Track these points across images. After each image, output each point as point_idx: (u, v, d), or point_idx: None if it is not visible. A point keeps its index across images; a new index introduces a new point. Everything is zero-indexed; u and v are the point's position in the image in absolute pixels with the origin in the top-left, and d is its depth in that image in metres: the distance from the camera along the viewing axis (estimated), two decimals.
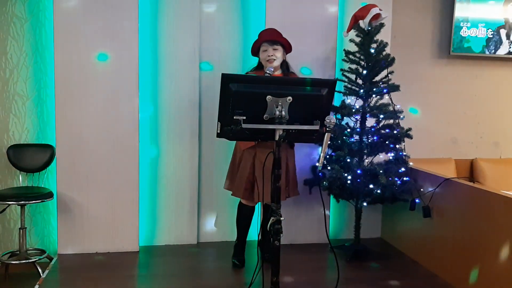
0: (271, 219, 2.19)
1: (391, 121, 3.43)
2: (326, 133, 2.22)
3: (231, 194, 3.23)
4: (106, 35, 3.41)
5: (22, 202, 3.17)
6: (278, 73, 3.16)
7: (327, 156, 3.53)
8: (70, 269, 3.21)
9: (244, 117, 2.14)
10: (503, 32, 4.39)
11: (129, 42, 3.44)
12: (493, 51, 4.41)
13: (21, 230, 3.29)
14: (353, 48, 3.51)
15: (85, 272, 3.15)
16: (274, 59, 3.10)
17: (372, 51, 3.41)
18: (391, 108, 3.42)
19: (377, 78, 3.47)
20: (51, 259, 3.40)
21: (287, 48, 3.21)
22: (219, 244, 3.74)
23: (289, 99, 2.18)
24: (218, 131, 2.26)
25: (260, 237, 3.47)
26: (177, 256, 3.50)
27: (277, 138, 2.19)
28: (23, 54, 3.52)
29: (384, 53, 3.44)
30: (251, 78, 2.36)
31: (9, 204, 3.30)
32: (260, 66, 3.23)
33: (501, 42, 4.40)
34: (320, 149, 2.46)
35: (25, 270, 3.47)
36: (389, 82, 3.44)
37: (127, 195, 3.52)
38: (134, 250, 3.56)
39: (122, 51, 3.44)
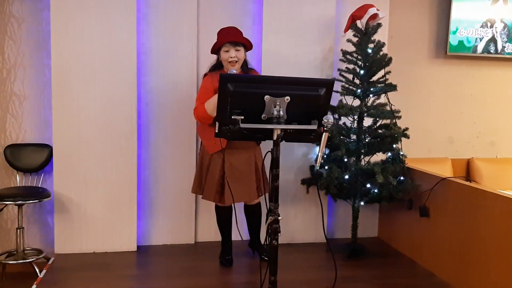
0: (269, 219, 2.20)
1: (388, 120, 3.44)
2: (324, 133, 2.22)
3: (202, 198, 3.25)
4: (104, 35, 3.41)
5: (20, 202, 3.17)
6: (238, 71, 3.08)
7: (325, 156, 3.54)
8: (68, 269, 3.20)
9: (242, 117, 2.15)
10: (499, 32, 4.42)
11: (127, 43, 3.44)
12: (489, 51, 4.43)
13: (18, 230, 3.29)
14: (350, 48, 3.52)
15: (83, 272, 3.15)
16: (236, 61, 3.04)
17: (370, 51, 3.43)
18: (388, 108, 3.44)
19: (374, 78, 3.48)
20: (48, 259, 3.40)
21: (248, 47, 3.15)
22: (216, 244, 3.73)
23: (287, 99, 2.18)
24: (217, 131, 2.26)
25: (250, 238, 3.48)
26: (174, 256, 3.50)
27: (275, 137, 2.19)
28: (20, 54, 3.52)
29: (381, 53, 3.46)
30: (249, 78, 2.37)
31: (6, 204, 3.30)
32: (219, 65, 3.16)
33: (497, 42, 4.43)
34: (317, 148, 2.48)
35: (22, 270, 3.48)
36: (386, 82, 3.45)
37: (125, 195, 3.52)
38: (131, 249, 3.56)
39: (120, 52, 3.43)
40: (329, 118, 2.20)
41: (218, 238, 3.64)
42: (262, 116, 2.20)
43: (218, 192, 3.14)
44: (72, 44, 3.37)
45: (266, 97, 2.16)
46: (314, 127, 2.25)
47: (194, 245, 3.75)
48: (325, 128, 2.22)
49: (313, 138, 2.35)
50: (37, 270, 3.19)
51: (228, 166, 3.10)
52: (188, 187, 3.68)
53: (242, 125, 2.13)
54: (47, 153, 3.51)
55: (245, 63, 3.17)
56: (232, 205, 3.12)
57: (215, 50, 3.14)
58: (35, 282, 2.94)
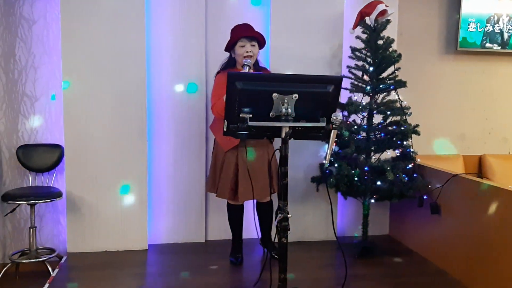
0: (278, 216, 2.20)
1: (398, 117, 3.42)
2: (333, 130, 2.21)
3: (216, 196, 3.25)
4: (113, 35, 3.43)
5: (32, 201, 3.20)
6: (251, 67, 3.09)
7: (334, 153, 3.53)
8: (80, 268, 3.23)
9: (251, 115, 2.15)
10: (505, 26, 4.36)
11: (136, 43, 3.46)
12: (500, 46, 4.38)
13: (31, 229, 3.32)
14: (359, 45, 3.51)
15: (95, 271, 3.18)
16: (251, 56, 3.08)
17: (379, 47, 3.40)
18: (398, 105, 3.42)
19: (384, 75, 3.46)
20: (61, 258, 3.43)
21: (262, 44, 3.19)
22: (226, 242, 3.74)
23: (295, 96, 2.18)
24: (225, 129, 2.26)
25: (261, 235, 3.48)
26: (185, 254, 3.51)
27: (283, 135, 2.19)
28: (31, 55, 3.55)
29: (390, 49, 3.43)
30: (257, 76, 2.36)
31: (19, 204, 3.33)
32: (232, 63, 3.19)
33: (508, 37, 4.37)
34: (326, 146, 2.47)
35: (35, 268, 3.52)
36: (396, 79, 3.43)
37: (136, 194, 3.55)
38: (142, 248, 3.58)
39: (129, 51, 3.46)
40: (337, 115, 2.19)
41: (229, 236, 3.65)
42: (270, 114, 2.19)
43: (233, 190, 3.15)
44: (82, 44, 3.40)
45: (274, 95, 2.16)
46: (323, 124, 2.24)
47: (205, 243, 3.77)
48: (333, 125, 2.21)
49: (321, 135, 2.35)
50: (50, 269, 3.22)
51: (242, 163, 3.10)
52: (199, 185, 3.71)
53: (251, 123, 2.13)
54: (59, 153, 3.54)
55: (256, 61, 3.19)
56: (253, 202, 3.13)
57: (230, 46, 3.16)
58: (48, 281, 2.98)
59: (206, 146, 3.72)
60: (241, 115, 2.15)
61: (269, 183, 3.21)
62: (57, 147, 3.56)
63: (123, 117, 3.49)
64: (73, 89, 3.41)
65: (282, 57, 3.66)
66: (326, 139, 2.29)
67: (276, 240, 2.26)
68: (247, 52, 3.07)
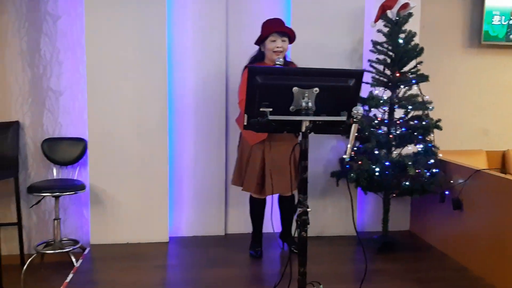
0: (298, 210, 2.20)
1: (420, 112, 3.39)
2: (354, 124, 2.20)
3: (242, 189, 3.27)
4: (135, 31, 3.48)
5: (56, 193, 3.27)
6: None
7: (355, 148, 3.51)
8: (102, 259, 3.30)
9: (271, 109, 2.15)
10: None
11: (158, 38, 3.50)
12: None
13: (55, 221, 3.40)
14: (380, 38, 3.47)
15: (117, 262, 3.24)
16: (281, 51, 3.11)
17: (401, 41, 3.37)
18: (420, 99, 3.38)
19: (406, 69, 3.42)
20: (84, 249, 3.50)
21: (292, 40, 3.21)
22: (246, 236, 3.76)
23: (316, 90, 2.17)
24: (245, 123, 2.27)
25: (281, 230, 3.50)
26: (205, 247, 3.55)
27: (303, 129, 2.19)
28: (56, 50, 3.62)
29: (412, 43, 3.39)
30: (278, 70, 2.37)
31: (44, 196, 3.41)
32: (260, 57, 3.21)
33: None
34: (348, 141, 2.47)
35: (59, 259, 3.60)
36: (418, 73, 3.39)
37: (157, 187, 3.59)
38: (163, 240, 3.64)
39: (151, 47, 3.50)
40: (358, 109, 2.18)
41: (248, 230, 3.68)
42: (291, 108, 2.19)
43: (259, 184, 3.18)
44: (105, 40, 3.45)
45: (295, 89, 2.16)
46: (344, 118, 2.22)
47: (224, 236, 3.80)
48: (354, 120, 2.19)
49: (342, 129, 2.33)
50: (74, 260, 3.29)
51: (269, 158, 3.12)
52: (218, 179, 3.74)
53: (271, 117, 2.13)
54: (82, 147, 3.61)
55: (285, 56, 3.20)
56: (275, 196, 3.15)
57: (261, 40, 3.18)
58: (72, 271, 3.05)
59: (226, 140, 3.75)
60: (261, 109, 2.16)
61: (294, 178, 3.21)
62: (81, 141, 3.62)
63: (144, 112, 3.54)
64: (96, 84, 3.47)
65: (302, 50, 3.64)
66: (346, 133, 2.28)
67: (296, 234, 2.26)
68: (277, 47, 3.09)
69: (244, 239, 3.58)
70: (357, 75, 2.25)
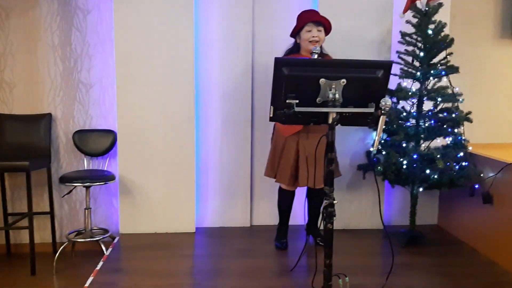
0: (324, 202, 2.20)
1: (450, 104, 3.32)
2: (381, 116, 2.18)
3: (275, 181, 3.27)
4: (163, 25, 3.52)
5: (87, 183, 3.36)
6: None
7: (382, 141, 3.48)
8: (131, 248, 3.37)
9: (297, 101, 2.15)
10: None
11: (185, 31, 3.53)
12: None
13: (86, 211, 3.49)
14: (409, 29, 3.41)
15: (145, 251, 3.31)
16: (317, 41, 3.09)
17: (430, 32, 3.31)
18: (449, 91, 3.31)
19: (435, 60, 3.36)
20: (113, 238, 3.59)
21: (328, 30, 3.19)
22: (271, 227, 3.79)
23: (343, 82, 2.16)
24: (271, 115, 2.28)
25: (307, 222, 3.50)
26: (231, 238, 3.59)
27: (330, 121, 2.19)
28: (86, 44, 3.70)
29: (442, 34, 3.33)
30: (304, 62, 2.36)
31: (75, 186, 3.50)
32: (296, 49, 3.20)
33: None
34: (374, 133, 2.44)
35: (90, 247, 3.71)
36: (448, 64, 3.33)
37: (184, 178, 3.65)
38: (190, 231, 3.69)
39: (179, 40, 3.53)
40: (387, 101, 2.16)
41: (273, 222, 3.70)
42: (317, 99, 2.19)
43: (292, 176, 3.17)
44: (134, 33, 3.50)
45: (321, 80, 2.15)
46: (371, 110, 2.21)
47: (250, 228, 3.83)
48: (382, 111, 2.17)
49: (369, 121, 2.32)
50: (104, 248, 3.38)
51: (303, 149, 3.12)
52: (244, 171, 3.77)
53: (297, 109, 2.13)
54: (112, 138, 3.68)
55: (321, 47, 3.17)
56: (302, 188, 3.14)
57: (296, 32, 3.18)
58: (102, 259, 3.13)
59: (251, 131, 3.76)
60: (287, 101, 2.16)
61: None
62: (111, 133, 3.70)
63: (172, 104, 3.58)
64: (125, 77, 3.53)
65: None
66: (374, 125, 2.27)
67: (322, 227, 2.27)
68: (313, 37, 3.08)
69: (269, 231, 3.60)
70: (386, 66, 2.23)
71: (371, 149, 2.25)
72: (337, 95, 2.16)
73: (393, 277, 2.72)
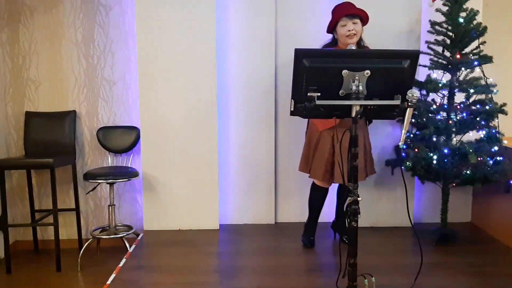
0: (348, 199, 2.11)
1: (483, 96, 3.16)
2: (408, 109, 2.08)
3: (309, 176, 3.17)
4: (185, 21, 3.48)
5: (110, 180, 3.35)
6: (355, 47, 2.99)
7: (411, 135, 3.35)
8: (155, 245, 3.35)
9: (319, 94, 2.07)
10: None
11: (207, 27, 3.49)
12: None
13: (110, 207, 3.49)
14: (439, 18, 3.27)
15: (169, 248, 3.28)
16: (355, 34, 2.97)
17: (461, 20, 3.15)
18: (482, 82, 3.15)
19: (467, 50, 3.20)
20: (137, 234, 3.58)
21: (365, 21, 3.05)
22: (297, 225, 3.71)
23: (367, 73, 2.06)
24: (292, 109, 2.20)
25: (335, 219, 3.41)
26: (255, 235, 3.53)
27: (353, 114, 2.09)
28: (109, 41, 3.70)
29: (474, 22, 3.16)
30: (326, 52, 2.27)
31: (99, 183, 3.51)
32: (334, 44, 3.09)
33: None
34: (402, 126, 2.34)
35: (114, 244, 3.72)
36: (481, 54, 3.16)
37: (207, 174, 3.61)
38: (214, 228, 3.65)
39: (201, 35, 3.49)
40: (414, 92, 2.05)
41: (298, 219, 3.63)
42: (340, 92, 2.10)
43: (328, 172, 3.07)
44: (155, 29, 3.48)
45: (344, 72, 2.06)
46: (397, 102, 2.10)
47: (274, 225, 3.76)
48: (409, 104, 2.07)
49: (396, 114, 2.21)
50: (127, 245, 3.37)
51: (339, 145, 3.00)
52: (268, 167, 3.70)
53: (318, 102, 2.05)
54: (135, 135, 3.68)
55: (361, 39, 3.08)
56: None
57: (331, 27, 3.08)
58: (125, 256, 3.12)
59: (275, 127, 3.69)
60: (308, 94, 2.08)
61: (364, 167, 3.10)
62: (134, 129, 3.69)
63: (194, 100, 3.54)
64: (147, 73, 3.51)
65: None
66: (400, 118, 2.16)
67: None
68: (348, 31, 2.96)
69: (294, 228, 3.53)
70: (412, 56, 2.12)
71: (399, 143, 2.13)
72: (360, 87, 2.07)
73: (422, 277, 2.60)
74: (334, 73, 2.07)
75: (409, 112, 2.07)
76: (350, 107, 2.10)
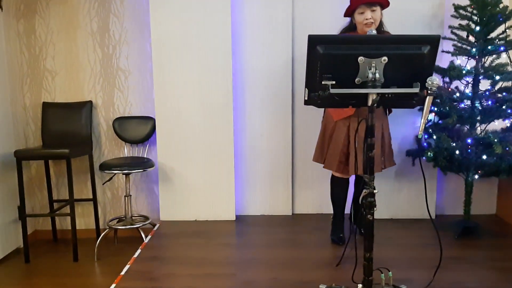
0: (363, 192, 2.04)
1: (510, 83, 3.01)
2: (428, 97, 1.98)
3: (323, 167, 3.08)
4: (200, 9, 3.42)
5: (126, 171, 3.34)
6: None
7: (433, 124, 3.23)
8: (171, 235, 3.34)
9: (333, 82, 1.99)
10: None
11: (222, 15, 3.42)
12: None
13: (126, 198, 3.49)
14: (463, 1, 3.12)
15: (185, 239, 3.26)
16: (372, 22, 2.83)
17: (487, 3, 3.00)
18: (509, 68, 3.00)
19: (493, 35, 3.06)
20: (154, 225, 3.58)
21: (385, 5, 2.91)
22: (314, 216, 3.65)
23: (384, 60, 1.97)
24: (306, 98, 2.12)
25: (352, 211, 3.32)
26: (272, 227, 3.48)
27: (370, 103, 2.00)
28: (124, 30, 3.66)
29: (501, 5, 3.01)
30: (341, 39, 2.17)
31: (115, 173, 3.51)
32: (352, 27, 2.97)
33: None
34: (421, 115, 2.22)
35: (131, 234, 3.72)
36: (508, 39, 3.01)
37: (223, 165, 3.56)
38: (230, 219, 3.62)
39: (216, 24, 3.43)
40: (433, 80, 1.95)
41: (316, 210, 3.57)
42: (356, 80, 2.01)
43: (342, 162, 2.97)
44: (170, 19, 3.43)
45: (360, 59, 1.97)
46: (416, 90, 2.01)
47: (292, 216, 3.70)
48: (429, 92, 1.97)
49: (415, 102, 2.12)
50: (143, 235, 3.36)
51: (354, 134, 2.88)
52: (285, 158, 3.63)
53: (332, 91, 1.97)
54: (151, 125, 3.65)
55: (381, 24, 2.94)
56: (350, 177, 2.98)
57: (349, 12, 2.96)
58: (141, 247, 3.12)
59: (292, 117, 3.62)
60: (323, 82, 2.00)
61: (382, 158, 3.00)
62: (150, 119, 3.67)
63: (210, 90, 3.49)
64: (162, 63, 3.47)
65: None
66: (420, 106, 2.06)
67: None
68: (366, 19, 2.83)
69: (312, 219, 3.48)
70: (432, 41, 2.01)
71: (418, 134, 2.04)
72: (377, 75, 1.98)
73: (442, 271, 2.52)
74: (349, 60, 1.99)
75: (428, 100, 1.98)
76: (366, 95, 2.02)
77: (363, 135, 2.81)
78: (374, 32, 2.49)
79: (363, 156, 2.08)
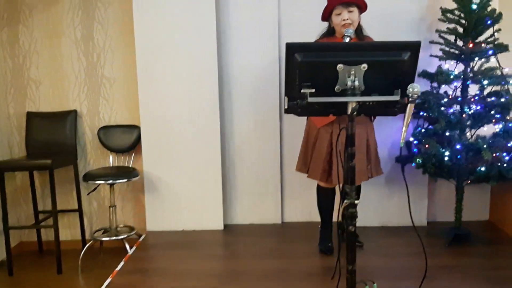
0: (344, 202, 1.98)
1: (499, 87, 2.96)
2: (409, 104, 1.92)
3: (307, 176, 3.01)
4: (185, 14, 3.37)
5: (110, 181, 3.28)
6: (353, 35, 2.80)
7: (422, 130, 3.17)
8: (157, 246, 3.28)
9: (313, 90, 1.93)
10: None
11: (207, 21, 3.37)
12: None
13: (111, 208, 3.42)
14: (451, 5, 3.07)
15: (171, 250, 3.20)
16: (350, 23, 2.77)
17: (474, 7, 2.96)
18: (498, 72, 2.95)
19: (481, 38, 3.01)
20: (140, 235, 3.51)
21: (362, 8, 2.84)
22: (304, 224, 3.59)
23: (364, 67, 1.91)
24: (286, 107, 2.07)
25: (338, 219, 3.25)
26: (261, 236, 3.41)
27: (349, 111, 1.94)
28: (108, 38, 3.61)
29: (489, 8, 2.96)
30: (319, 46, 2.12)
31: (98, 184, 3.45)
32: (331, 32, 2.91)
33: None
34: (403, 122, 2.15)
35: (117, 245, 3.66)
36: (496, 42, 2.96)
37: (211, 173, 3.50)
38: (218, 228, 3.55)
39: (200, 29, 3.37)
40: (414, 87, 1.89)
41: (306, 218, 3.51)
42: (336, 88, 1.95)
43: (325, 171, 2.90)
44: (155, 26, 3.38)
45: (339, 66, 1.91)
46: (397, 98, 1.95)
47: (281, 225, 3.64)
48: (410, 99, 1.91)
49: (397, 110, 2.05)
50: (128, 247, 3.29)
51: (337, 142, 2.82)
52: (273, 165, 3.58)
53: (311, 99, 1.91)
54: (136, 134, 3.59)
55: (359, 28, 2.87)
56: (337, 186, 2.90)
57: (327, 16, 2.89)
58: (124, 259, 3.05)
59: (280, 124, 3.56)
60: (302, 91, 1.94)
61: (368, 165, 2.93)
62: (135, 128, 3.61)
63: (196, 97, 3.44)
64: (146, 70, 3.42)
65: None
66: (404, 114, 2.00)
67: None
68: (343, 20, 2.77)
69: (301, 228, 3.42)
70: (413, 47, 1.94)
71: (400, 142, 1.98)
72: (357, 82, 1.92)
73: (430, 281, 2.46)
74: (328, 68, 1.93)
75: (409, 108, 1.91)
76: (346, 104, 1.96)
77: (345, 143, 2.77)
78: (351, 31, 2.46)
79: (344, 165, 2.02)
